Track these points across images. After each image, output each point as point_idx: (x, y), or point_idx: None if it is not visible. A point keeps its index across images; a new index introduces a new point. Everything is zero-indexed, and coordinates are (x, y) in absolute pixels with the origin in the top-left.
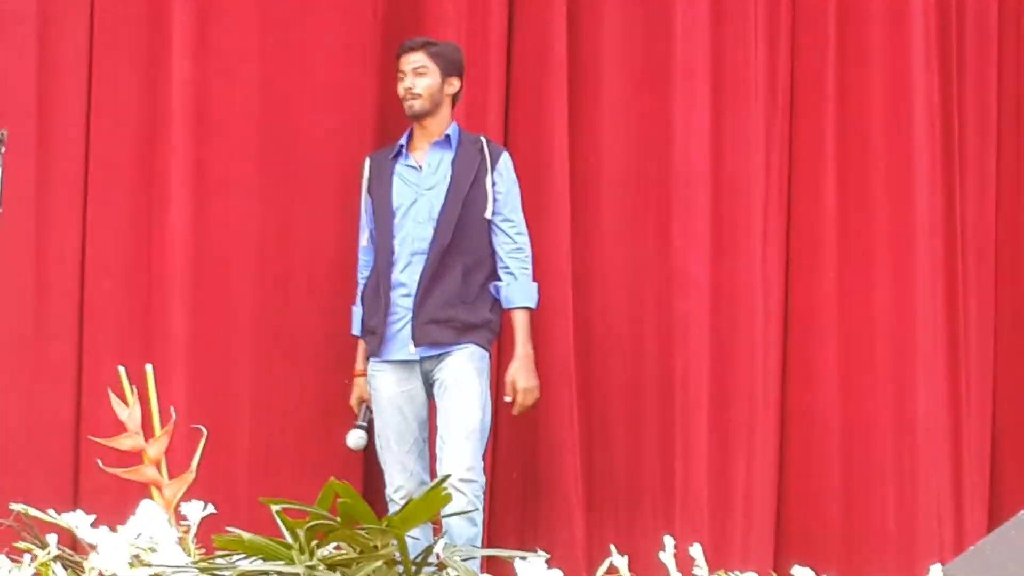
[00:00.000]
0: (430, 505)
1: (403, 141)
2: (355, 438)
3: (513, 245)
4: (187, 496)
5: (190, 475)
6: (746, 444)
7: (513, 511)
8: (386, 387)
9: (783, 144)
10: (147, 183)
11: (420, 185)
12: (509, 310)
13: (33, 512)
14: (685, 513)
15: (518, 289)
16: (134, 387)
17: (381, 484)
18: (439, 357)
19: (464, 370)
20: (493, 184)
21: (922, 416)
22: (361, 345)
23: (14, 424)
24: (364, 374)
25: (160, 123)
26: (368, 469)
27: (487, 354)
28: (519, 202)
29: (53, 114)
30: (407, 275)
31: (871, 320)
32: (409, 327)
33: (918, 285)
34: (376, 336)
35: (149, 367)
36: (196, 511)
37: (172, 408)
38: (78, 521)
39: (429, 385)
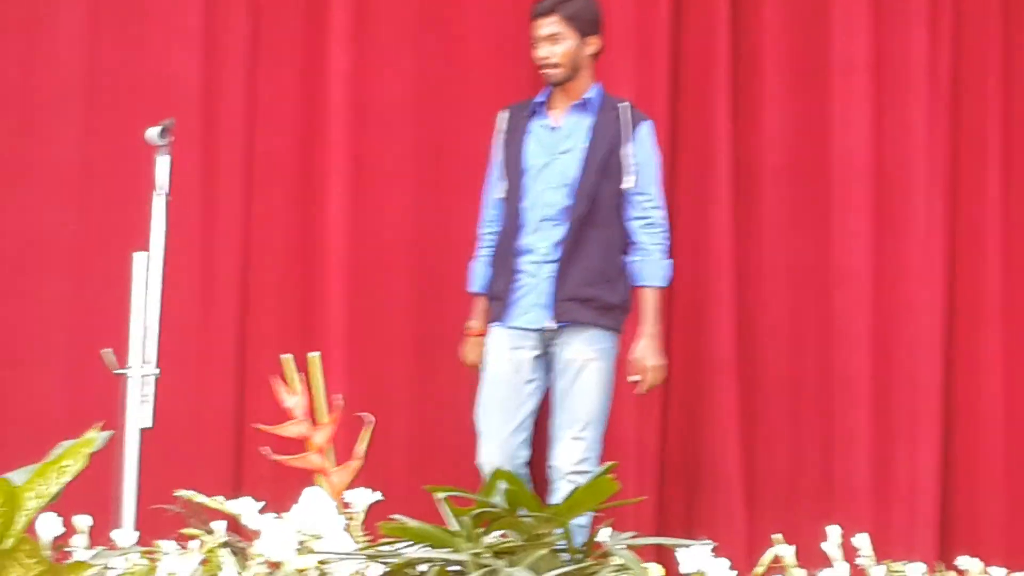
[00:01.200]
0: (596, 493)
1: (542, 98)
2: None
3: (647, 220)
4: (352, 483)
5: (357, 462)
6: (908, 437)
7: (677, 503)
8: (498, 352)
9: (945, 136)
10: (306, 175)
11: (555, 147)
12: (637, 287)
13: (199, 498)
14: (847, 506)
15: (649, 266)
16: (300, 374)
17: (544, 472)
18: (566, 330)
19: (592, 354)
20: (632, 154)
21: None
22: (481, 302)
23: (179, 413)
24: (483, 333)
25: (318, 116)
26: (534, 460)
27: (617, 337)
28: (658, 174)
29: (216, 106)
30: (535, 240)
31: None
32: (535, 294)
33: None
34: (500, 302)
35: (315, 354)
36: (362, 498)
37: (339, 396)
38: (244, 508)
39: (547, 356)
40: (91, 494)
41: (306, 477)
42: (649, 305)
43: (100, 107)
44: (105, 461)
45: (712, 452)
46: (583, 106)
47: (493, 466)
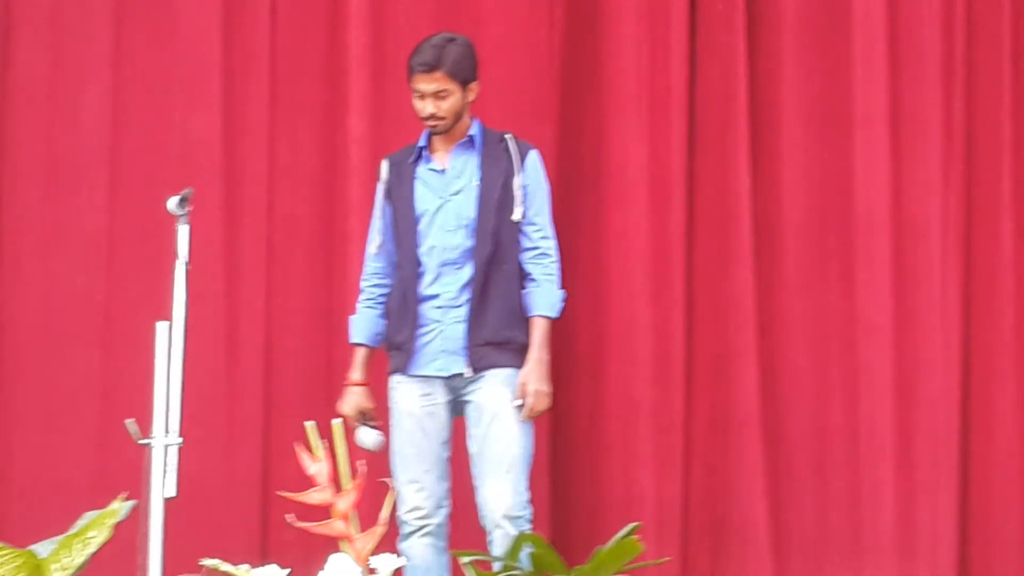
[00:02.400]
0: (620, 554)
1: (422, 143)
2: (374, 437)
3: (536, 250)
4: (377, 549)
5: (381, 528)
6: (931, 489)
7: (703, 561)
8: (408, 402)
9: (960, 188)
10: (327, 240)
11: (445, 190)
12: (530, 316)
13: (225, 567)
14: (873, 560)
15: (540, 296)
16: (323, 441)
17: (571, 535)
18: (481, 375)
19: (505, 396)
20: (523, 186)
21: None
22: (361, 353)
23: (205, 479)
24: (364, 384)
25: (338, 180)
26: (555, 519)
27: None
28: (547, 204)
29: (238, 171)
30: (439, 287)
31: None
32: (442, 340)
33: None
34: (404, 352)
35: (337, 422)
36: (387, 564)
37: (363, 462)
38: (270, 575)
39: (458, 402)
40: (116, 565)
41: (333, 543)
42: (538, 333)
43: (124, 174)
44: (130, 531)
45: (738, 508)
46: (468, 144)
47: (423, 516)
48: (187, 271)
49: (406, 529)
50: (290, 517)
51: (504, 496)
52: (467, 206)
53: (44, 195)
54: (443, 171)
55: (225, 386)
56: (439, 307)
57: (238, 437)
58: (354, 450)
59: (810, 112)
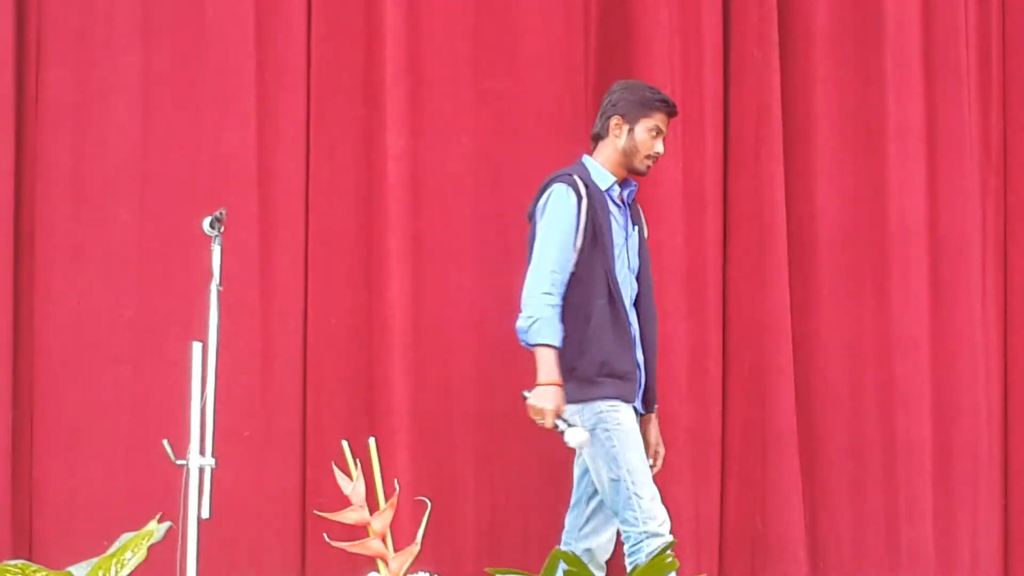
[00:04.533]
0: (656, 572)
1: (614, 179)
2: (585, 435)
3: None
4: (413, 568)
5: (415, 547)
6: (971, 503)
7: (740, 571)
8: (631, 421)
9: (998, 200)
10: (366, 256)
11: (625, 231)
12: None
13: None
14: (911, 572)
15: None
16: (357, 460)
17: None
18: (641, 419)
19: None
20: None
21: None
22: (555, 354)
23: (243, 496)
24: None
25: (376, 196)
26: None
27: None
28: None
29: (273, 187)
30: (631, 321)
31: None
32: (641, 378)
33: None
34: (630, 381)
35: (372, 440)
36: None
37: (396, 481)
38: None
39: None
40: None
41: (373, 560)
42: None
43: (155, 191)
44: (164, 551)
45: (774, 524)
46: (630, 188)
47: (668, 530)
48: (220, 292)
49: (658, 542)
50: (326, 536)
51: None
52: (634, 250)
53: (74, 212)
54: (622, 209)
55: (261, 402)
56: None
57: (275, 454)
58: (389, 467)
59: (844, 126)
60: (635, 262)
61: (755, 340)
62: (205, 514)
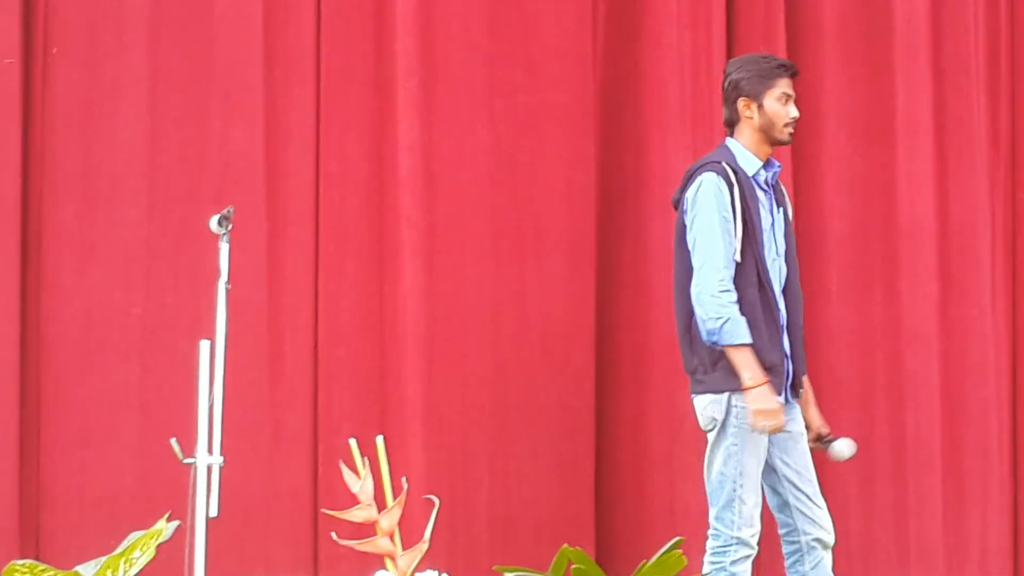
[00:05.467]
0: (665, 569)
1: (760, 163)
2: (854, 445)
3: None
4: (423, 565)
5: (423, 545)
6: (981, 499)
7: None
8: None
9: (1007, 195)
10: (378, 250)
11: (772, 215)
12: None
13: None
14: (921, 571)
15: None
16: (365, 459)
17: (614, 547)
18: (789, 406)
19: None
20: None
21: None
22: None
23: (254, 492)
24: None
25: (388, 189)
26: (600, 534)
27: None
28: None
29: (282, 182)
30: (780, 308)
31: None
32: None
33: None
34: (777, 374)
35: (379, 438)
36: None
37: (404, 479)
38: None
39: None
40: None
41: (382, 557)
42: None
43: (163, 188)
44: (173, 550)
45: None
46: (771, 167)
47: (758, 542)
48: (228, 290)
49: (744, 552)
50: (334, 534)
51: (832, 526)
52: (780, 235)
53: (83, 210)
54: (771, 193)
55: (270, 400)
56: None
57: (285, 451)
58: (402, 462)
59: (852, 121)
60: (782, 246)
61: None
62: (213, 512)
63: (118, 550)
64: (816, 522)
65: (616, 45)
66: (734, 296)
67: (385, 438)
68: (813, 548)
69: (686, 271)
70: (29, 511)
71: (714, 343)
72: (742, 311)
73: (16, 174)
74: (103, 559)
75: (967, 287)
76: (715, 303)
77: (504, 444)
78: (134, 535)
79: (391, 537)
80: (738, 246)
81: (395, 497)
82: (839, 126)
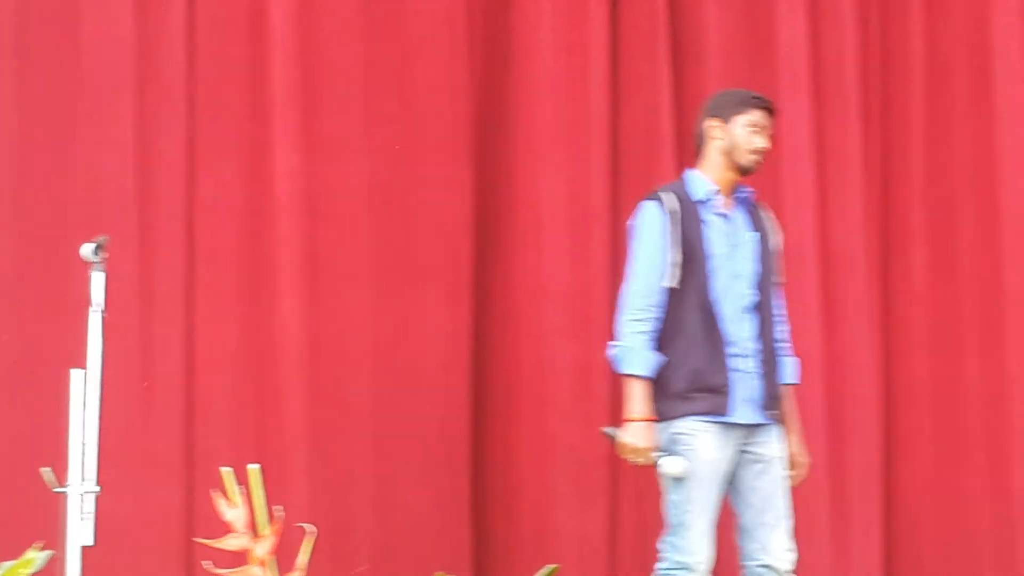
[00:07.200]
0: None
1: (713, 187)
2: (685, 463)
3: (783, 314)
4: None
5: (299, 574)
6: (862, 523)
7: None
8: (711, 451)
9: (881, 220)
10: (255, 276)
11: (733, 237)
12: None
13: None
14: None
15: (792, 363)
16: (240, 487)
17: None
18: (761, 429)
19: (782, 452)
20: (776, 247)
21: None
22: (647, 387)
23: (127, 521)
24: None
25: (265, 215)
26: (477, 562)
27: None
28: None
29: (152, 209)
30: (736, 332)
31: (964, 391)
32: (744, 388)
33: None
34: (722, 395)
35: (254, 467)
36: None
37: (279, 507)
38: None
39: (738, 453)
40: None
41: None
42: (793, 402)
43: (31, 214)
44: None
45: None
46: (744, 199)
47: (707, 569)
48: (103, 319)
49: None
50: (207, 563)
51: (793, 544)
52: (748, 259)
53: None
54: (729, 217)
55: (142, 427)
56: (737, 354)
57: (158, 479)
58: (282, 489)
59: None
60: (748, 269)
61: None
62: (88, 541)
63: None
64: (767, 549)
65: (491, 72)
66: (643, 327)
67: (265, 466)
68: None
69: None
70: None
71: (617, 369)
72: (683, 335)
73: None
74: None
75: (847, 310)
76: (623, 331)
77: (385, 474)
78: (4, 565)
79: (265, 566)
80: (676, 272)
81: (270, 526)
82: None
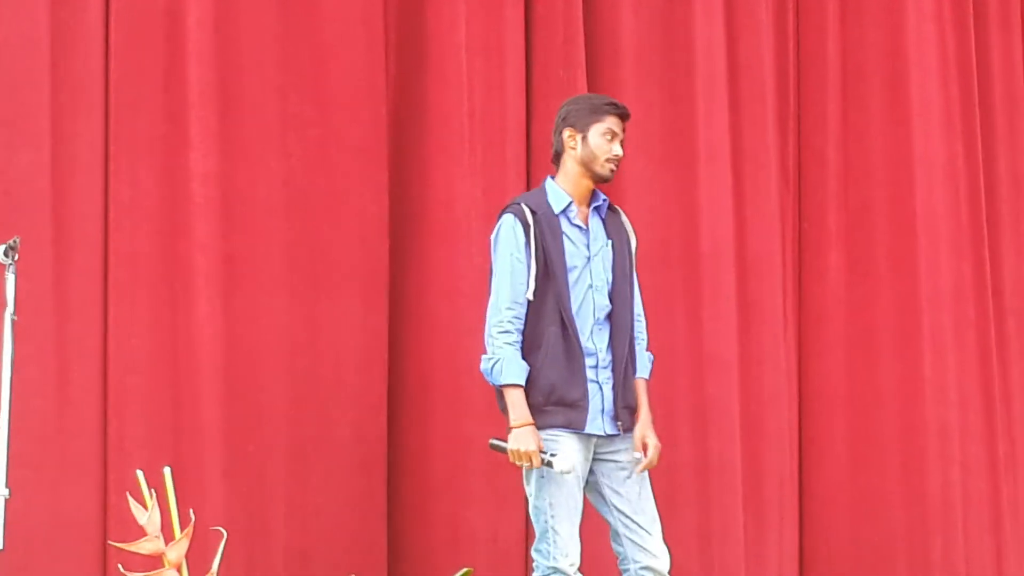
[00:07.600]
0: None
1: (569, 199)
2: (567, 462)
3: (640, 315)
4: None
5: None
6: (777, 526)
7: None
8: (569, 454)
9: (794, 224)
10: (170, 278)
11: (590, 248)
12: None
13: None
14: None
15: (645, 359)
16: (152, 490)
17: None
18: (617, 437)
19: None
20: (633, 252)
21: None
22: (523, 394)
23: (40, 524)
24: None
25: (180, 217)
26: (392, 564)
27: None
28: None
29: (68, 211)
30: (593, 344)
31: (879, 394)
32: (600, 400)
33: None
34: (578, 409)
35: (167, 470)
36: None
37: (191, 510)
38: None
39: (597, 460)
40: None
41: None
42: (646, 393)
43: None
44: None
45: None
46: (600, 207)
47: (577, 569)
48: (14, 321)
49: None
50: (121, 566)
51: (665, 548)
52: (606, 268)
53: None
54: (586, 229)
55: (56, 429)
56: (594, 366)
57: (72, 481)
58: (197, 492)
59: (652, 147)
60: (603, 278)
61: None
62: None
63: None
64: (647, 550)
65: (406, 75)
66: (512, 338)
67: (180, 468)
68: None
69: None
70: None
71: (491, 383)
72: (541, 349)
73: None
74: None
75: (764, 313)
76: (491, 344)
77: (300, 476)
78: None
79: (178, 569)
80: (534, 285)
81: (183, 529)
82: (638, 152)
